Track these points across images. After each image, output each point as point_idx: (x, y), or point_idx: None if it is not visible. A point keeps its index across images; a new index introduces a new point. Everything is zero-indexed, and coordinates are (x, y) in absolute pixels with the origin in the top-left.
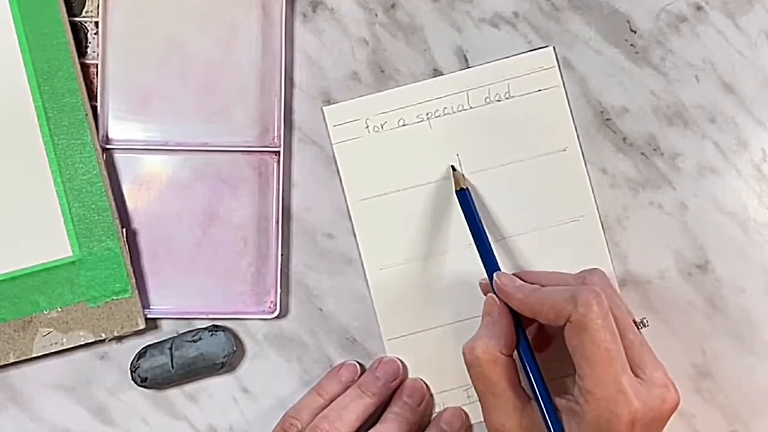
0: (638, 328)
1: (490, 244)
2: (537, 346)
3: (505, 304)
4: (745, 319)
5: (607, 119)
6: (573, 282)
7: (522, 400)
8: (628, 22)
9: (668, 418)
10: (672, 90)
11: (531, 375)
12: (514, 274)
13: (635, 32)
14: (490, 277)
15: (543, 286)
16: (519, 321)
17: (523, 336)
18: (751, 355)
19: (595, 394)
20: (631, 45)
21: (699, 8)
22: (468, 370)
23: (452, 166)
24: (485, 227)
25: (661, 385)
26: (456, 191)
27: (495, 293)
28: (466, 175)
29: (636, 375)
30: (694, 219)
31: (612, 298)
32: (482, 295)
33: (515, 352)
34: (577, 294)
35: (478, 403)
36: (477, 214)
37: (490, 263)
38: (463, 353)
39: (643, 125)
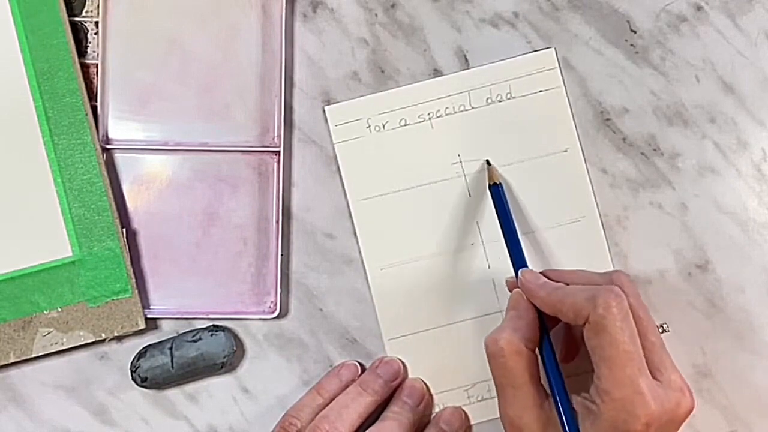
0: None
1: (519, 241)
2: (564, 356)
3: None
4: (745, 319)
5: (607, 119)
6: (600, 281)
7: (541, 396)
8: (628, 22)
9: (682, 422)
10: (672, 90)
11: (550, 372)
12: (541, 272)
13: (635, 32)
14: (516, 273)
15: (567, 284)
16: (542, 318)
17: (546, 333)
18: (751, 355)
19: (612, 395)
20: (631, 45)
21: (699, 8)
22: (489, 362)
23: (487, 161)
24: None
25: (678, 389)
26: (489, 186)
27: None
28: (467, 175)
29: (654, 376)
30: (694, 219)
31: (637, 299)
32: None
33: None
34: (598, 294)
35: (478, 403)
36: (509, 209)
37: (517, 259)
38: (486, 345)
39: (643, 125)
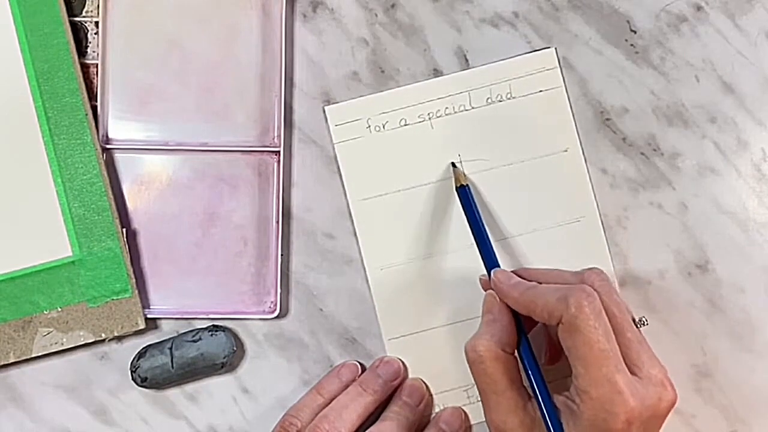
0: (637, 327)
1: (489, 241)
2: (550, 358)
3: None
4: (745, 319)
5: (607, 119)
6: (572, 280)
7: (523, 399)
8: (628, 22)
9: (665, 416)
10: (672, 90)
11: (531, 373)
12: (513, 271)
13: (635, 32)
14: (489, 273)
15: (541, 283)
16: (519, 318)
17: (523, 334)
18: (751, 355)
19: (590, 394)
20: (631, 45)
21: (699, 8)
22: (470, 368)
23: (452, 163)
24: (485, 225)
25: (658, 383)
26: (456, 188)
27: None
28: (467, 175)
29: (633, 373)
30: (694, 219)
31: (610, 296)
32: (483, 291)
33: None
34: (569, 294)
35: (478, 403)
36: (477, 210)
37: (489, 260)
38: (465, 351)
39: (643, 125)
